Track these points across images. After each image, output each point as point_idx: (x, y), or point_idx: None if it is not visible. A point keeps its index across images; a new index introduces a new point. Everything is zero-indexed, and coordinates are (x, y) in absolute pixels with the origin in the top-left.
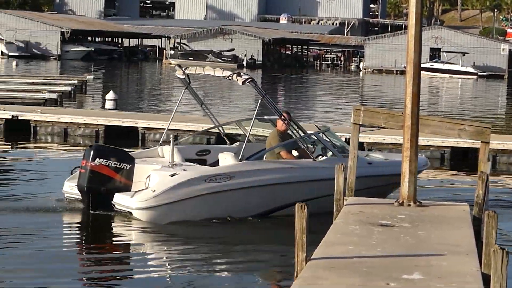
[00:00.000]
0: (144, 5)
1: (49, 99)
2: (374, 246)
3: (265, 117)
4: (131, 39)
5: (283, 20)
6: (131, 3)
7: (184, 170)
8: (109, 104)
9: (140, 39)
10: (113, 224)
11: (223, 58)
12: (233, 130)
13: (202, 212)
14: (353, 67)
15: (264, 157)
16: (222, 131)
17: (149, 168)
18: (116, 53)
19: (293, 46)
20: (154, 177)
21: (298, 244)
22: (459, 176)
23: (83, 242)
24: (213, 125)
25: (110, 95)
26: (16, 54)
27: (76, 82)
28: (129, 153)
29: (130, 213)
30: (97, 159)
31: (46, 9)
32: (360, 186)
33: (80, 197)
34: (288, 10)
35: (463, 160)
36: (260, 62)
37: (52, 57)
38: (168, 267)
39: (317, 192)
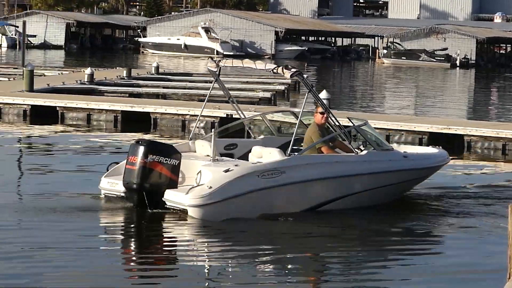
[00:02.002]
0: (358, 4)
1: (263, 98)
2: None
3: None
4: (344, 39)
5: (497, 19)
6: (345, 3)
7: (236, 165)
8: None
9: (353, 39)
10: (163, 222)
11: (436, 58)
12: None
13: (256, 208)
14: None
15: (305, 152)
16: (248, 125)
17: (192, 163)
18: (329, 52)
19: (508, 45)
20: (206, 173)
21: (510, 245)
22: None
23: (135, 241)
24: (239, 120)
25: (323, 94)
26: (231, 53)
27: (289, 81)
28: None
29: (184, 210)
30: (150, 156)
31: (260, 9)
32: (397, 180)
33: (125, 195)
34: (502, 8)
35: None
36: (474, 62)
37: (266, 56)
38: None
39: (362, 186)
